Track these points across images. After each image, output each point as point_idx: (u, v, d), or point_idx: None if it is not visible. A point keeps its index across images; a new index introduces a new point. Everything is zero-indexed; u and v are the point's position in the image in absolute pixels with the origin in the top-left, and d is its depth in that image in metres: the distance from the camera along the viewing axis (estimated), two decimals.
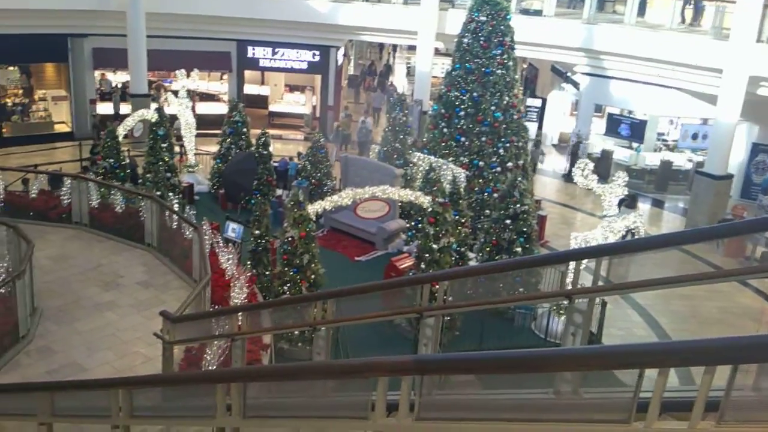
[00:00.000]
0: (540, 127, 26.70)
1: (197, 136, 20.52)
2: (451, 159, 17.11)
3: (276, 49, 25.94)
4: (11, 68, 24.01)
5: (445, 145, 17.44)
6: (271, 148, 18.94)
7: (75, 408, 6.30)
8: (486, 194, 17.05)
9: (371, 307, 6.81)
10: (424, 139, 18.62)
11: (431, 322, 5.88)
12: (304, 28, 24.64)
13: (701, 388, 3.20)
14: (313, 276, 12.32)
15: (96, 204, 13.35)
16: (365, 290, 6.26)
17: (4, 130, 23.38)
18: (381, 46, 41.47)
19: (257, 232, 13.33)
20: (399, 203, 16.99)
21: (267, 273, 13.29)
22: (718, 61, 19.10)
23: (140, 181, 16.96)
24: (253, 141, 19.07)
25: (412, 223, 16.48)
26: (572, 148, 22.87)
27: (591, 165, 13.46)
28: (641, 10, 22.82)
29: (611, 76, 22.93)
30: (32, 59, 23.98)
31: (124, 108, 23.77)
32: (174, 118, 20.52)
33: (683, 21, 22.53)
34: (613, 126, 23.73)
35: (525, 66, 31.33)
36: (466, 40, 17.24)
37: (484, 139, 17.08)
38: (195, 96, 25.07)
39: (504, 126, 17.09)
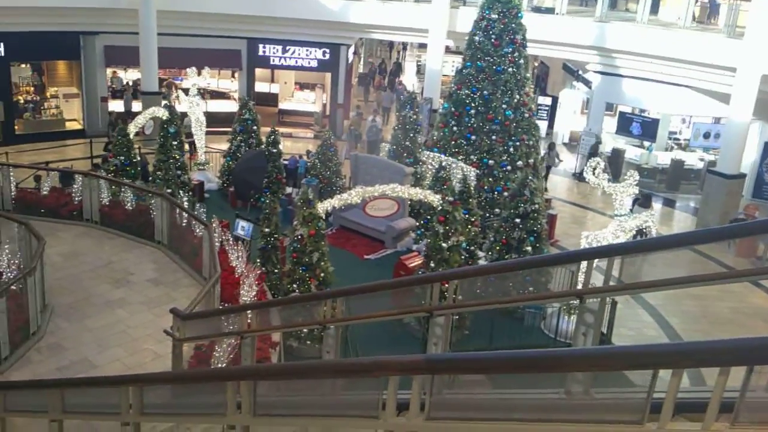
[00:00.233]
0: (551, 126, 26.61)
1: (207, 133, 20.57)
2: (461, 157, 17.06)
3: (286, 47, 25.97)
4: (23, 66, 24.15)
5: (455, 143, 17.40)
6: (281, 146, 18.95)
7: (86, 405, 6.32)
8: (496, 193, 16.99)
9: (380, 305, 6.80)
10: (434, 138, 18.57)
11: (441, 321, 5.85)
12: (315, 26, 24.65)
13: (715, 389, 3.16)
14: (322, 274, 12.32)
15: (107, 201, 13.40)
16: (375, 289, 6.24)
17: (16, 127, 23.52)
18: (391, 44, 41.42)
19: (267, 230, 13.33)
20: (408, 202, 16.96)
21: (276, 271, 13.30)
22: (732, 59, 18.95)
23: (151, 178, 17.01)
24: (263, 139, 19.09)
25: (422, 222, 16.45)
26: (591, 149, 22.71)
27: (602, 164, 13.38)
28: (654, 9, 22.68)
29: (623, 74, 22.81)
30: (44, 57, 24.13)
31: (136, 106, 23.85)
32: (184, 115, 20.59)
33: (693, 18, 22.36)
34: (625, 124, 23.60)
35: (536, 64, 31.21)
36: (477, 38, 17.17)
37: (494, 137, 17.02)
38: (206, 94, 25.13)
39: (515, 124, 17.02)
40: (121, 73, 26.26)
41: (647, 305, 15.09)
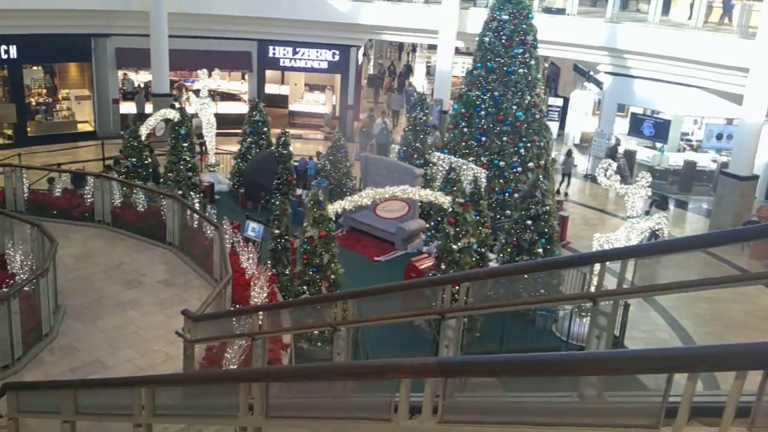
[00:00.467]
0: (562, 127, 26.50)
1: (218, 135, 20.63)
2: (471, 159, 17.02)
3: (296, 49, 26.02)
4: (35, 68, 24.31)
5: (465, 144, 17.36)
6: (291, 148, 18.98)
7: (98, 406, 6.34)
8: (507, 194, 16.93)
9: (391, 307, 6.79)
10: (445, 139, 18.53)
11: (452, 324, 5.83)
12: (325, 27, 24.67)
13: (731, 393, 3.13)
14: (332, 276, 12.31)
15: (118, 203, 13.46)
16: (387, 291, 6.23)
17: (28, 129, 23.67)
18: (400, 46, 41.38)
19: (277, 231, 13.35)
20: (419, 203, 16.93)
21: (287, 272, 13.31)
22: (744, 59, 18.81)
23: (162, 180, 17.07)
24: (274, 140, 19.12)
25: (432, 224, 16.42)
26: (609, 151, 22.58)
27: (614, 165, 13.30)
28: (665, 9, 22.55)
29: (635, 75, 22.69)
30: (56, 59, 24.29)
31: (149, 108, 23.96)
32: (195, 116, 20.67)
33: (706, 17, 22.20)
34: (637, 126, 23.47)
35: (547, 65, 31.11)
36: (487, 39, 17.13)
37: (505, 138, 16.97)
38: (216, 95, 25.21)
39: (525, 126, 16.97)
40: (132, 75, 26.38)
41: (659, 308, 14.99)
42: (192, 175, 16.92)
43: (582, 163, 24.42)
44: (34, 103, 24.09)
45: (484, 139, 17.12)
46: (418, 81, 33.36)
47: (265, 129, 19.45)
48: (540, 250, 14.12)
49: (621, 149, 23.26)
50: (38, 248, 10.69)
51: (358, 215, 17.27)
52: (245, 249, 11.70)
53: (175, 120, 17.43)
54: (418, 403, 3.97)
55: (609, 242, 13.08)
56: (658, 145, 23.48)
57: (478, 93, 17.14)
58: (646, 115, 23.67)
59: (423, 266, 14.08)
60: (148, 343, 9.72)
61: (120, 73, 25.48)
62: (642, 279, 13.78)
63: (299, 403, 4.94)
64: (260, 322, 8.02)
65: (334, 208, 14.33)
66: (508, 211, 16.51)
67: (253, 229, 14.51)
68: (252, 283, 10.33)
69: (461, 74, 25.90)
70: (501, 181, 17.00)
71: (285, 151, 18.58)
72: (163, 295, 11.09)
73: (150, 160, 17.33)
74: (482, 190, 15.20)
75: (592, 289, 6.28)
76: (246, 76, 27.00)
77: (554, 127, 24.32)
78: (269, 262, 13.10)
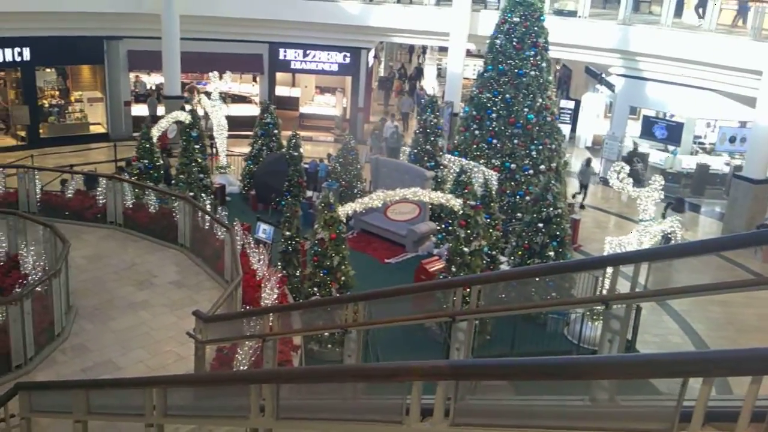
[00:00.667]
0: (573, 130, 26.40)
1: (229, 137, 20.69)
2: (482, 161, 16.98)
3: (307, 51, 26.07)
4: (48, 70, 24.50)
5: (476, 147, 17.32)
6: (301, 150, 19.02)
7: (109, 406, 6.37)
8: (518, 197, 16.88)
9: (401, 309, 6.77)
10: (455, 141, 18.50)
11: (464, 326, 5.81)
12: (336, 30, 24.71)
13: (747, 398, 3.10)
14: (343, 278, 12.31)
15: (130, 204, 13.52)
16: (398, 293, 6.22)
17: (41, 131, 23.86)
18: (411, 48, 41.38)
19: (288, 233, 13.37)
20: (429, 206, 16.91)
21: (297, 274, 13.33)
22: (758, 62, 18.67)
23: (173, 181, 17.14)
24: (284, 143, 19.16)
25: (443, 226, 16.39)
26: (628, 155, 22.45)
27: (627, 168, 13.23)
28: (678, 11, 22.43)
29: (647, 77, 22.57)
30: (69, 61, 24.48)
31: (161, 110, 24.09)
32: (207, 118, 20.76)
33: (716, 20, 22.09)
34: (649, 128, 23.34)
35: (558, 67, 31.02)
36: (498, 41, 17.11)
37: (516, 141, 16.92)
38: (227, 98, 25.30)
39: (537, 128, 16.91)
40: (144, 78, 26.54)
41: (672, 311, 14.89)
42: (203, 176, 16.98)
43: (593, 166, 24.29)
44: (47, 105, 24.27)
45: (495, 141, 17.08)
46: (429, 83, 33.34)
47: (276, 131, 19.50)
48: (551, 253, 14.06)
49: (624, 152, 23.06)
50: (51, 249, 10.75)
51: (369, 217, 17.27)
52: (256, 250, 11.73)
53: (187, 122, 17.50)
54: (430, 405, 3.96)
55: (621, 245, 13.00)
56: (671, 147, 23.35)
57: (490, 95, 17.10)
58: (658, 118, 23.55)
59: (433, 269, 14.05)
60: (159, 343, 9.75)
61: (132, 75, 25.63)
62: (655, 283, 13.69)
63: (310, 405, 4.94)
64: (271, 324, 8.02)
65: (344, 210, 14.34)
66: (519, 214, 16.46)
67: (263, 230, 14.54)
68: (262, 285, 10.34)
69: (472, 76, 25.90)
70: (512, 183, 16.95)
71: (296, 154, 18.62)
72: (174, 296, 11.12)
73: (162, 162, 17.41)
74: (493, 192, 15.16)
75: (605, 293, 6.24)
76: (257, 79, 27.09)
77: (566, 129, 24.25)
78: (280, 263, 13.12)
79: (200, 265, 12.21)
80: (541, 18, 17.04)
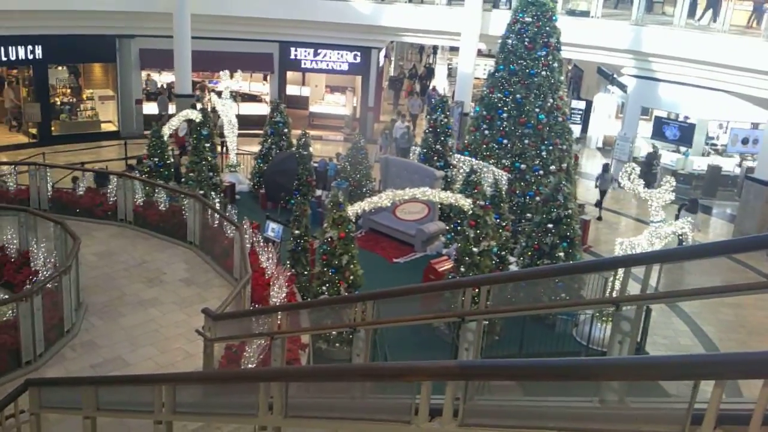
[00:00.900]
0: (584, 130, 26.29)
1: (239, 136, 20.74)
2: (492, 161, 16.93)
3: (318, 51, 26.09)
4: (60, 68, 24.63)
5: (486, 147, 17.28)
6: (311, 149, 19.03)
7: (118, 402, 6.38)
8: (528, 197, 16.82)
9: (410, 309, 6.76)
10: (466, 141, 18.46)
11: (473, 327, 5.79)
12: (346, 29, 24.71)
13: (759, 401, 3.06)
14: (351, 277, 12.30)
15: (141, 202, 13.57)
16: (408, 292, 6.21)
17: (52, 129, 23.98)
18: (421, 48, 41.32)
19: (297, 231, 13.38)
20: (439, 205, 16.87)
21: (306, 273, 13.33)
22: None
23: (183, 180, 17.19)
24: (294, 141, 19.18)
25: (452, 226, 16.36)
26: (647, 158, 22.33)
27: (638, 169, 13.15)
28: (691, 12, 22.28)
29: (659, 78, 22.44)
30: (81, 59, 24.61)
31: (171, 108, 24.17)
32: (217, 116, 20.81)
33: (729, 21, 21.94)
34: (661, 129, 23.21)
35: (570, 67, 30.90)
36: (510, 41, 17.05)
37: (527, 141, 16.86)
38: (237, 96, 25.35)
39: (547, 128, 16.85)
40: (155, 76, 26.63)
41: (682, 313, 14.80)
42: (213, 175, 17.02)
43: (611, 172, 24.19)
44: (58, 103, 24.41)
45: (505, 141, 17.03)
46: (440, 83, 33.27)
47: (286, 130, 19.52)
48: (561, 254, 14.00)
49: (635, 152, 22.86)
50: (61, 246, 10.81)
51: (378, 217, 17.25)
52: (265, 249, 11.75)
53: (197, 120, 17.55)
54: (438, 405, 3.94)
55: (632, 247, 12.93)
56: (683, 149, 23.21)
57: (500, 95, 17.05)
58: (670, 119, 23.41)
59: (442, 268, 14.03)
60: (168, 340, 9.79)
61: (143, 73, 25.73)
62: (665, 284, 13.62)
63: (318, 404, 4.94)
64: (279, 322, 8.03)
65: (353, 209, 14.32)
66: (529, 215, 16.40)
67: (272, 229, 14.56)
68: (271, 283, 10.36)
69: (483, 76, 25.82)
70: (522, 184, 16.89)
71: (305, 152, 18.63)
72: (183, 293, 11.16)
73: (172, 160, 17.47)
74: (503, 193, 15.11)
75: (615, 294, 6.20)
76: (267, 78, 27.13)
77: (577, 130, 24.15)
78: (288, 262, 13.13)
79: (209, 263, 12.25)
80: (554, 18, 16.97)
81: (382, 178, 18.65)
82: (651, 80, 22.67)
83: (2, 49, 22.03)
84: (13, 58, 22.48)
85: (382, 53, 28.33)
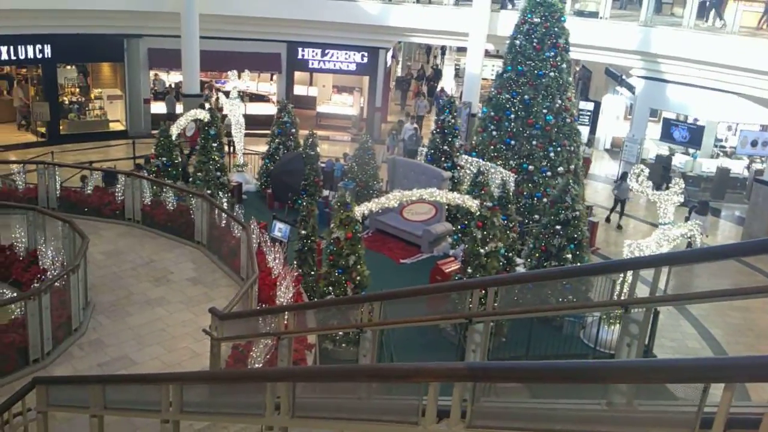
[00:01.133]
0: (593, 132, 26.22)
1: (246, 135, 20.77)
2: (500, 162, 16.89)
3: (325, 51, 26.10)
4: (69, 67, 24.74)
5: (494, 148, 17.24)
6: (318, 149, 19.04)
7: (125, 401, 6.39)
8: (535, 199, 16.77)
9: (416, 310, 6.75)
10: (473, 142, 18.42)
11: (480, 328, 5.78)
12: (354, 29, 24.72)
13: None
14: (358, 277, 12.29)
15: (148, 201, 13.60)
16: (416, 293, 6.20)
17: (61, 128, 24.08)
18: (428, 48, 41.30)
19: (303, 232, 13.38)
20: (446, 206, 16.85)
21: (312, 273, 13.33)
22: None
23: (191, 179, 17.23)
24: (301, 141, 19.19)
25: (459, 227, 16.33)
26: (664, 161, 22.21)
27: (646, 171, 13.10)
28: (700, 13, 22.19)
29: (668, 79, 22.35)
30: (90, 59, 24.70)
31: (179, 108, 24.24)
32: (224, 116, 20.85)
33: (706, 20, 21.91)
34: (669, 131, 23.12)
35: (578, 68, 30.82)
36: (518, 41, 17.00)
37: (534, 142, 16.80)
38: (245, 96, 25.40)
39: (555, 130, 16.79)
40: (163, 76, 26.71)
41: (689, 316, 14.73)
42: (221, 174, 17.05)
43: (613, 168, 24.12)
44: (67, 102, 24.50)
45: (513, 142, 16.98)
46: (447, 83, 33.24)
47: (293, 130, 19.54)
48: (569, 256, 13.94)
49: (644, 154, 22.75)
50: (69, 245, 10.85)
51: (385, 217, 17.24)
52: (272, 249, 11.76)
53: (205, 120, 17.58)
54: (445, 407, 3.93)
55: (640, 249, 12.87)
56: (691, 150, 23.11)
57: (508, 96, 17.00)
58: (678, 121, 23.32)
59: (449, 270, 14.00)
60: (175, 339, 9.80)
61: (151, 73, 25.80)
62: (673, 287, 13.56)
63: (325, 404, 4.93)
64: (286, 322, 8.03)
65: (360, 209, 14.32)
66: (536, 216, 16.35)
67: (279, 229, 14.57)
68: (278, 283, 10.36)
69: (491, 77, 25.79)
70: (530, 185, 16.83)
71: (312, 153, 18.64)
72: (190, 293, 11.18)
73: (180, 159, 17.51)
74: (510, 194, 15.06)
75: (623, 296, 6.17)
76: (275, 78, 27.17)
77: (585, 131, 24.07)
78: (295, 262, 13.13)
79: (216, 262, 12.27)
80: (562, 18, 16.90)
81: (389, 178, 18.63)
82: (660, 81, 22.60)
83: (11, 48, 22.14)
84: (22, 57, 22.59)
85: (390, 54, 28.32)
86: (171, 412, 5.58)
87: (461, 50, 29.12)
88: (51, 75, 23.58)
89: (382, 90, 27.03)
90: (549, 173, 16.74)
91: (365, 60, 26.22)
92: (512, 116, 16.96)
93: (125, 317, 10.30)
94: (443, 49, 40.01)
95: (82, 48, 23.36)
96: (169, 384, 5.55)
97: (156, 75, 26.38)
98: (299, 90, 27.89)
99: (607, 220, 19.66)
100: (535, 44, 16.72)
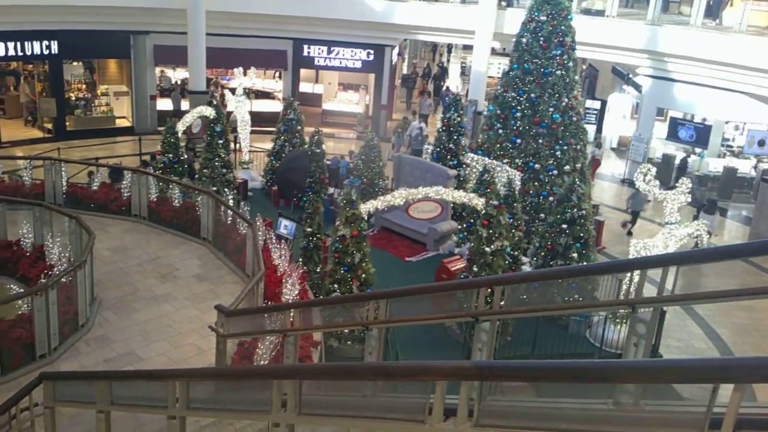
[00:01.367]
0: (599, 130, 26.15)
1: (252, 133, 20.78)
2: (506, 161, 16.86)
3: (331, 48, 26.09)
4: (76, 63, 24.80)
5: (500, 146, 17.21)
6: (324, 147, 19.04)
7: (132, 397, 6.41)
8: (541, 197, 16.74)
9: (421, 308, 6.74)
10: (479, 140, 18.40)
11: (486, 327, 5.77)
12: (360, 27, 24.71)
13: None
14: (363, 275, 12.30)
15: (155, 198, 13.62)
16: (422, 291, 6.19)
17: (67, 124, 24.15)
18: (435, 46, 41.21)
19: (309, 229, 13.39)
20: (451, 204, 16.83)
21: (318, 270, 13.34)
22: None
23: (197, 176, 17.25)
24: (307, 139, 19.20)
25: (464, 225, 16.31)
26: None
27: (653, 170, 13.05)
28: (707, 12, 22.10)
29: (675, 78, 22.27)
30: (96, 55, 24.77)
31: (184, 105, 24.27)
32: (230, 114, 20.87)
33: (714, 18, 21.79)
34: (676, 130, 23.05)
35: (584, 67, 30.74)
36: (525, 40, 16.96)
37: (540, 141, 16.77)
38: (251, 94, 25.41)
39: (562, 128, 16.75)
40: (169, 72, 26.74)
41: (696, 315, 14.70)
42: (226, 171, 17.07)
43: (619, 167, 24.06)
44: (73, 98, 24.56)
45: (519, 141, 16.96)
46: (453, 81, 33.19)
47: (299, 127, 19.54)
48: (575, 255, 13.92)
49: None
50: (76, 241, 10.87)
51: (391, 215, 17.24)
52: (277, 246, 11.76)
53: (211, 117, 17.60)
54: (452, 405, 3.92)
55: (646, 248, 12.84)
56: (698, 150, 23.03)
57: (514, 94, 16.97)
58: (685, 120, 23.24)
59: (455, 268, 13.99)
60: (181, 336, 9.82)
61: (157, 70, 25.84)
62: (680, 287, 13.52)
63: (331, 401, 4.93)
64: (291, 319, 8.03)
65: (366, 207, 14.32)
66: (542, 215, 16.32)
67: (285, 226, 14.58)
68: (284, 281, 10.37)
69: (497, 75, 25.73)
70: (536, 183, 16.80)
71: (318, 150, 18.64)
72: (196, 289, 11.19)
73: (186, 156, 17.53)
74: (516, 192, 15.04)
75: (630, 296, 6.15)
76: (281, 75, 27.17)
77: (591, 130, 24.01)
78: (301, 259, 13.14)
79: (222, 259, 12.28)
80: (569, 17, 16.86)
81: (394, 176, 18.63)
82: (666, 80, 22.52)
83: (18, 44, 22.21)
84: (28, 53, 22.65)
85: (396, 51, 28.30)
86: (177, 408, 5.59)
87: (467, 48, 29.08)
88: (57, 71, 23.64)
89: (388, 88, 27.02)
90: (555, 172, 16.71)
91: (371, 57, 26.21)
92: (518, 114, 16.93)
93: (131, 313, 10.32)
94: (449, 46, 39.92)
95: (89, 44, 23.42)
96: (176, 380, 5.55)
97: (162, 72, 26.42)
98: (305, 87, 27.89)
99: (629, 233, 18.57)
100: (541, 42, 16.68)
